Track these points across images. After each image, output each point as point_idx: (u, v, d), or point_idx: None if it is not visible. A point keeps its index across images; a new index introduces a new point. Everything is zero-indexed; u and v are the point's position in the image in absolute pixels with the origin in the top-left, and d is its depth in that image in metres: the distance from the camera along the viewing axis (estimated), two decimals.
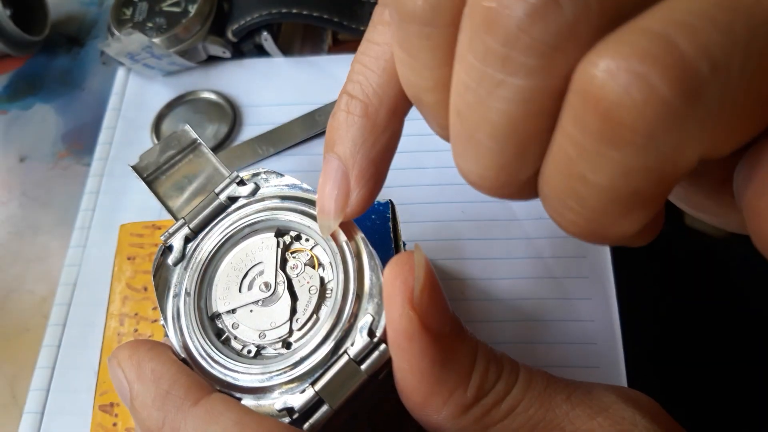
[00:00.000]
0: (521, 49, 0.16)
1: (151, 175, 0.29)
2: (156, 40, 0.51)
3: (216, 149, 0.50)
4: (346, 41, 0.56)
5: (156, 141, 0.50)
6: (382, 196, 0.29)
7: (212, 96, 0.53)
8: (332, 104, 0.50)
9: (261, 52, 0.55)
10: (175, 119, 0.52)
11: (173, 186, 0.29)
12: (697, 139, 0.15)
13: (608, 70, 0.15)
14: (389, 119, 0.22)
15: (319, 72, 0.54)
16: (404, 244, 0.34)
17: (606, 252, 0.44)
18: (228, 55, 0.55)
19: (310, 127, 0.50)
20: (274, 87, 0.53)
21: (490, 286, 0.43)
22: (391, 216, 0.34)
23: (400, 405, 0.24)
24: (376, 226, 0.32)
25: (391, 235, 0.33)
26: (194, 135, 0.30)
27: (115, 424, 0.38)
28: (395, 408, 0.24)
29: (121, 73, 0.55)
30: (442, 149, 0.48)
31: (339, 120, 0.23)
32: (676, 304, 0.45)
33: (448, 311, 0.23)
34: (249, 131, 0.52)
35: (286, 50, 0.56)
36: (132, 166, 0.29)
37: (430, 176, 0.48)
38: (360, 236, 0.25)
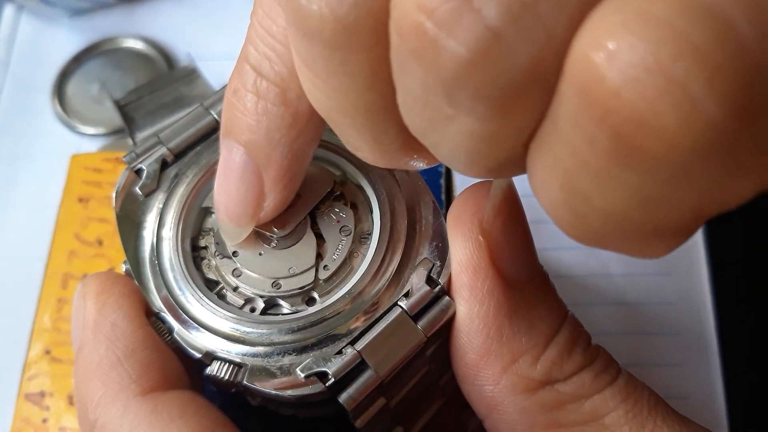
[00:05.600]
0: (470, 96, 0.14)
1: (129, 104, 0.28)
2: None
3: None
4: None
5: (60, 108, 0.44)
6: None
7: (139, 45, 0.47)
8: None
9: None
10: (86, 78, 0.45)
11: (150, 114, 0.27)
12: (755, 169, 0.13)
13: (622, 69, 0.12)
14: (313, 110, 0.19)
15: None
16: None
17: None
18: None
19: None
20: (229, 32, 0.46)
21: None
22: (444, 172, 0.31)
23: (448, 409, 0.23)
24: None
25: (443, 197, 0.31)
26: (193, 66, 0.30)
27: (45, 420, 0.34)
28: (439, 415, 0.23)
29: (8, 12, 0.49)
30: None
31: (246, 104, 0.21)
32: None
33: (530, 256, 0.22)
34: None
35: None
36: (114, 100, 0.29)
37: None
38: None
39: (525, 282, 0.21)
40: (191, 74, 0.28)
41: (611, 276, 0.37)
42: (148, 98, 0.27)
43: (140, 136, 0.26)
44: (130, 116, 0.27)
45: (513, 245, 0.21)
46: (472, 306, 0.21)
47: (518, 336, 0.21)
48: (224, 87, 0.26)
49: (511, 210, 0.21)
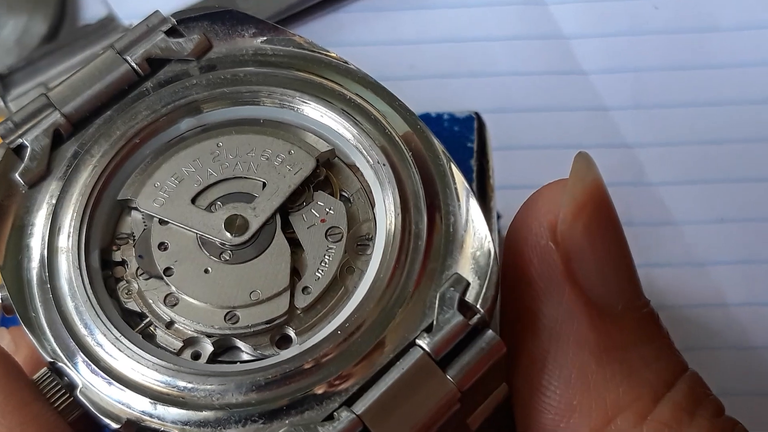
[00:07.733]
0: None
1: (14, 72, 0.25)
2: None
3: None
4: None
5: None
6: (461, 105, 0.26)
7: None
8: None
9: None
10: None
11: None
12: None
13: None
14: None
15: None
16: (499, 217, 0.27)
17: None
18: None
19: None
20: None
21: None
22: (476, 139, 0.25)
23: None
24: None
25: (474, 174, 0.24)
26: (111, 15, 0.27)
27: None
28: None
29: None
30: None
31: None
32: None
33: (628, 274, 0.18)
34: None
35: None
36: None
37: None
38: (433, 139, 0.20)
39: (622, 311, 0.18)
40: (108, 26, 0.25)
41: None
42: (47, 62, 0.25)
43: (17, 92, 0.23)
44: (7, 79, 0.24)
45: (601, 256, 0.18)
46: (541, 340, 0.18)
47: (613, 384, 0.17)
48: (142, 22, 0.21)
49: (599, 209, 0.18)
